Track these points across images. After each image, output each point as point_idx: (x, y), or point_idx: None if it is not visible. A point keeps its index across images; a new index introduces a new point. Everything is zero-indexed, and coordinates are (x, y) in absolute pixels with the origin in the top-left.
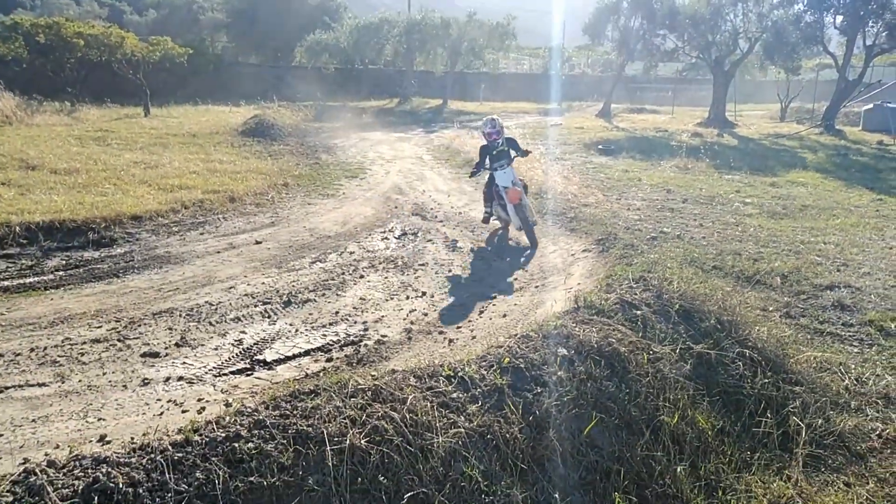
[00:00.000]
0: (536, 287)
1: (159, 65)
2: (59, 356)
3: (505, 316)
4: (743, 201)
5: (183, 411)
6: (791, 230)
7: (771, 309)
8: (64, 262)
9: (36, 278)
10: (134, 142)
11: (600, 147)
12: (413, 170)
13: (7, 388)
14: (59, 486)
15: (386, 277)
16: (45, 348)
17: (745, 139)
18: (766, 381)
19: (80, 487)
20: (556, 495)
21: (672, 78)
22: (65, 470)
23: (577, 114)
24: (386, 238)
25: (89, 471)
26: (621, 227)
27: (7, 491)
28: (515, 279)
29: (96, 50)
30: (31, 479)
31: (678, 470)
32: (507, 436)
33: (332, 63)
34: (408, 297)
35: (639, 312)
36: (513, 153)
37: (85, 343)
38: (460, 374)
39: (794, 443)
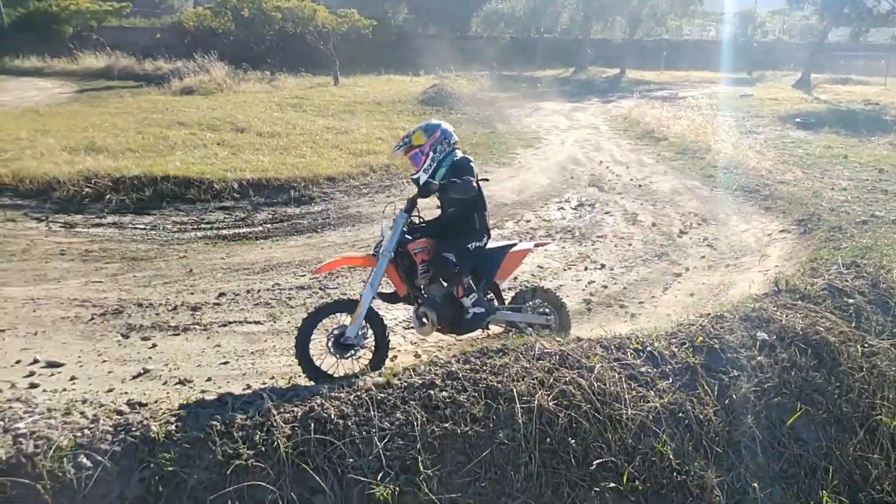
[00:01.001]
0: (727, 267)
1: (346, 36)
2: (270, 299)
3: (692, 294)
4: None
5: None
6: None
7: None
8: (270, 216)
9: (248, 229)
10: (326, 109)
11: (798, 120)
12: (589, 140)
13: (230, 322)
14: (282, 410)
15: (563, 247)
16: (259, 291)
17: None
18: None
19: (299, 414)
20: (756, 485)
21: (885, 45)
22: (285, 397)
23: (770, 84)
24: (562, 208)
25: (306, 401)
26: (825, 207)
27: (239, 408)
28: (703, 257)
29: (291, 22)
30: (259, 402)
31: None
32: (701, 416)
33: (508, 32)
34: (586, 269)
35: (851, 301)
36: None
37: (292, 289)
38: (649, 348)
39: None
